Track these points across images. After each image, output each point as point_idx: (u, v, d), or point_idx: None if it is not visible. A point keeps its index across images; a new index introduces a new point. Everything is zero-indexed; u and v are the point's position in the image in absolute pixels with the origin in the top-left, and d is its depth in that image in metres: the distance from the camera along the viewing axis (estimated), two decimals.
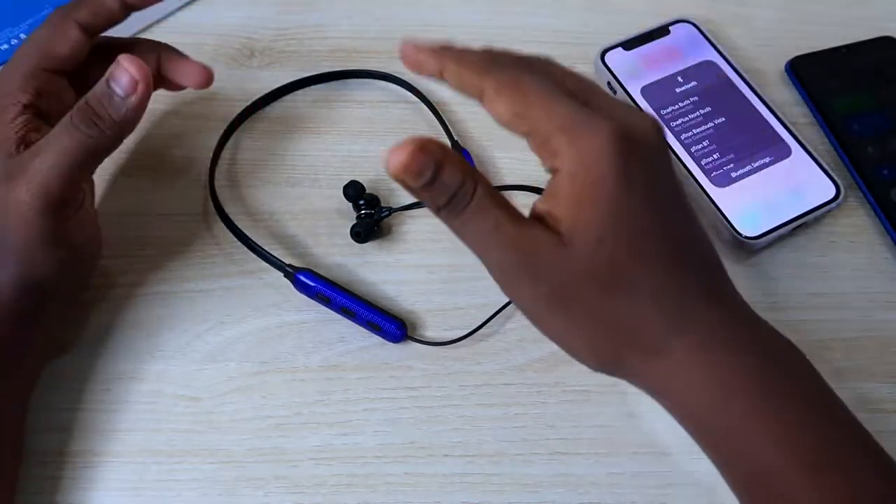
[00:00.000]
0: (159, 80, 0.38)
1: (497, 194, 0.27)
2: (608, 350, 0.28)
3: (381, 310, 0.39)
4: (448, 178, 0.25)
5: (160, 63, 0.37)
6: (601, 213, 0.26)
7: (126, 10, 0.36)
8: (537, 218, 0.28)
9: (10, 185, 0.31)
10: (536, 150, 0.27)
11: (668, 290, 0.27)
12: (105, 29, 0.36)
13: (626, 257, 0.27)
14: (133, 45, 0.37)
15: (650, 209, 0.27)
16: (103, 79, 0.32)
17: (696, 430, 0.29)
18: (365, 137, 0.46)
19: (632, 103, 0.46)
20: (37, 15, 0.47)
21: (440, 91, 0.48)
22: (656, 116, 0.29)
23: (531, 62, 0.29)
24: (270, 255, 0.39)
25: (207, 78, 0.38)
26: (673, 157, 0.29)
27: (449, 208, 0.26)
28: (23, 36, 0.46)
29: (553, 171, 0.27)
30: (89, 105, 0.32)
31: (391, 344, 0.39)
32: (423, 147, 0.24)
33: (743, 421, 0.27)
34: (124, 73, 0.31)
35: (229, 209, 0.42)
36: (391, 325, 0.39)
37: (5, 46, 0.46)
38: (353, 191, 0.42)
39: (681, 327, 0.27)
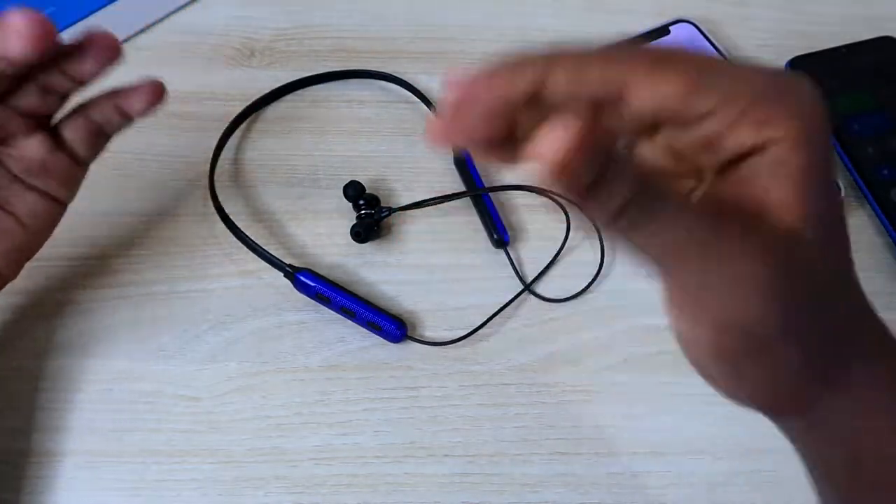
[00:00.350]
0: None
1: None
2: (821, 371, 0.22)
3: (381, 310, 0.39)
4: (626, 173, 0.17)
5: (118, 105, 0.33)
6: (828, 193, 0.21)
7: None
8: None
9: None
10: (727, 126, 0.20)
11: (863, 295, 0.23)
12: None
13: (843, 249, 0.22)
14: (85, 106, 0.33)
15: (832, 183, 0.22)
16: None
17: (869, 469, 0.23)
18: (365, 137, 0.46)
19: None
20: None
21: (440, 91, 0.48)
22: None
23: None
24: (270, 255, 0.39)
25: (156, 93, 0.33)
26: None
27: (635, 212, 0.18)
28: None
29: (761, 146, 0.20)
30: None
31: (391, 344, 0.39)
32: (591, 128, 0.16)
33: None
34: None
35: (229, 209, 0.42)
36: (391, 325, 0.39)
37: None
38: (353, 191, 0.42)
39: (884, 337, 0.23)
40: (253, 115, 0.47)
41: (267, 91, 0.47)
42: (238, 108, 0.46)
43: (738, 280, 0.20)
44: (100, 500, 0.36)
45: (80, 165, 0.35)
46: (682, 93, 0.19)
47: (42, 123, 0.33)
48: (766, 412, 0.23)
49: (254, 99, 0.47)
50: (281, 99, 0.48)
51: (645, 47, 0.21)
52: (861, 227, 0.44)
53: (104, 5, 0.48)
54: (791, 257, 0.20)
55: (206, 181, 0.43)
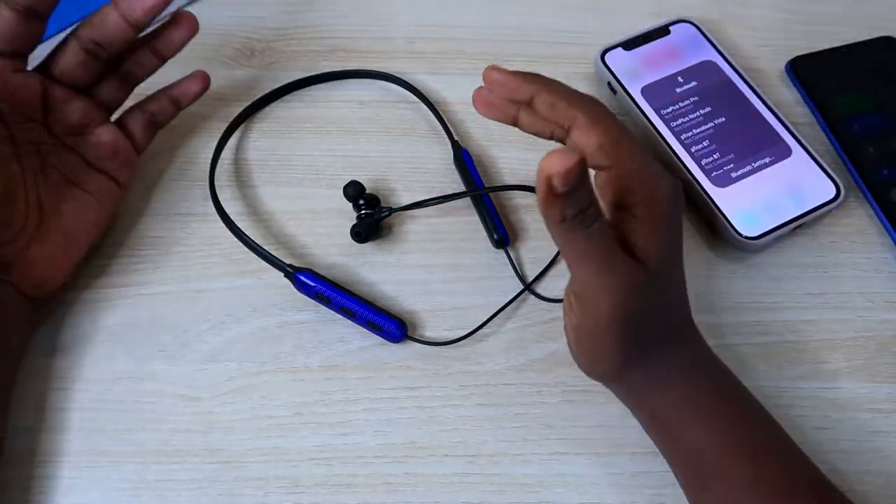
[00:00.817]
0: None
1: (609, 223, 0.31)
2: (634, 349, 0.32)
3: (380, 310, 0.39)
4: (586, 193, 0.27)
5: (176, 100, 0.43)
6: (664, 243, 0.31)
7: None
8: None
9: None
10: (608, 183, 0.31)
11: (681, 304, 0.34)
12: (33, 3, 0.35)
13: (671, 274, 0.32)
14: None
15: (680, 243, 0.33)
16: None
17: (659, 422, 0.34)
18: (365, 137, 0.46)
19: (632, 104, 0.46)
20: None
21: (440, 91, 0.48)
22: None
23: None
24: (270, 254, 0.39)
25: (205, 79, 0.43)
26: None
27: (576, 220, 0.28)
28: None
29: (622, 206, 0.31)
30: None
31: (391, 344, 0.39)
32: (583, 160, 0.26)
33: (698, 413, 0.33)
34: None
35: (229, 209, 0.42)
36: (391, 324, 0.39)
37: None
38: (354, 191, 0.42)
39: (678, 340, 0.34)
40: (253, 115, 0.47)
41: (267, 91, 0.47)
42: (238, 108, 0.46)
43: (603, 289, 0.30)
44: (100, 500, 0.36)
45: (137, 152, 0.42)
46: (594, 148, 0.31)
47: (110, 115, 0.41)
48: (596, 379, 0.35)
49: (254, 99, 0.47)
50: (281, 99, 0.48)
51: (593, 107, 0.31)
52: (861, 227, 0.44)
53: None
54: (633, 284, 0.30)
55: (206, 181, 0.43)
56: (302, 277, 0.39)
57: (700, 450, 0.32)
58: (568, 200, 0.26)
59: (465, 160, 0.44)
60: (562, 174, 0.25)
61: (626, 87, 0.46)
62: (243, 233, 0.40)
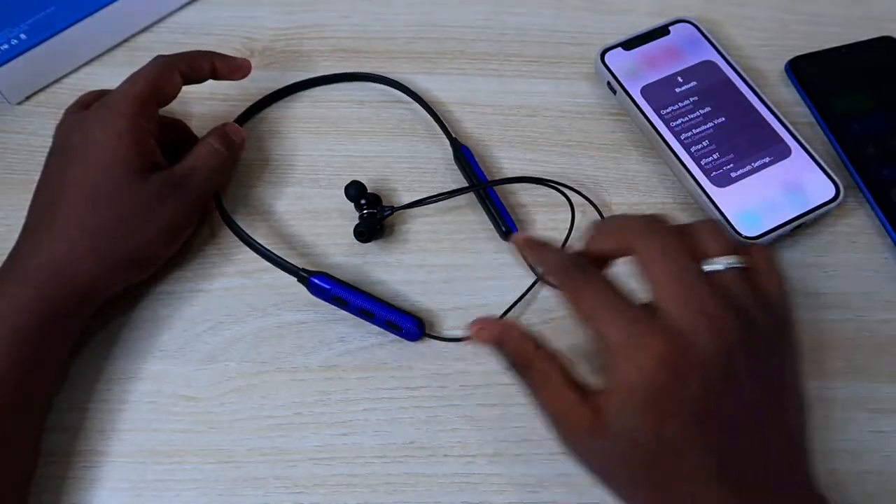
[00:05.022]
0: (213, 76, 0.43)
1: (557, 365, 0.29)
2: None
3: (398, 309, 0.39)
4: (508, 352, 0.30)
5: (214, 66, 0.42)
6: (638, 421, 0.26)
7: (214, 77, 0.43)
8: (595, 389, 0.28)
9: (178, 192, 0.39)
10: (595, 363, 0.30)
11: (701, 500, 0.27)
12: (192, 83, 0.42)
13: (661, 461, 0.26)
14: (191, 58, 0.42)
15: (692, 422, 0.26)
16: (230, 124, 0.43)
17: None
18: (365, 137, 0.46)
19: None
20: (37, 15, 0.47)
21: (440, 91, 0.48)
22: (721, 312, 0.27)
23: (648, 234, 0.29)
24: (283, 259, 0.39)
25: (249, 68, 0.44)
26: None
27: (512, 372, 0.30)
28: (23, 36, 0.46)
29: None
30: (226, 132, 0.42)
31: (391, 344, 0.39)
32: (484, 326, 0.30)
33: None
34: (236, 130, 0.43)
35: (229, 209, 0.42)
36: (410, 323, 0.39)
37: (5, 46, 0.46)
38: (355, 190, 0.42)
39: None
40: (253, 116, 0.47)
41: (266, 91, 0.47)
42: (238, 108, 0.46)
43: (561, 435, 0.29)
44: (100, 500, 0.36)
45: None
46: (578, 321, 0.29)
47: None
48: None
49: (254, 99, 0.47)
50: (281, 99, 0.48)
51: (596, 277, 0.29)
52: (861, 227, 0.44)
53: (104, 5, 0.47)
54: (586, 440, 0.28)
55: None
56: (317, 281, 0.39)
57: None
58: (497, 356, 0.30)
59: (465, 156, 0.44)
60: (472, 341, 0.30)
61: (625, 87, 0.46)
62: (254, 239, 0.40)
